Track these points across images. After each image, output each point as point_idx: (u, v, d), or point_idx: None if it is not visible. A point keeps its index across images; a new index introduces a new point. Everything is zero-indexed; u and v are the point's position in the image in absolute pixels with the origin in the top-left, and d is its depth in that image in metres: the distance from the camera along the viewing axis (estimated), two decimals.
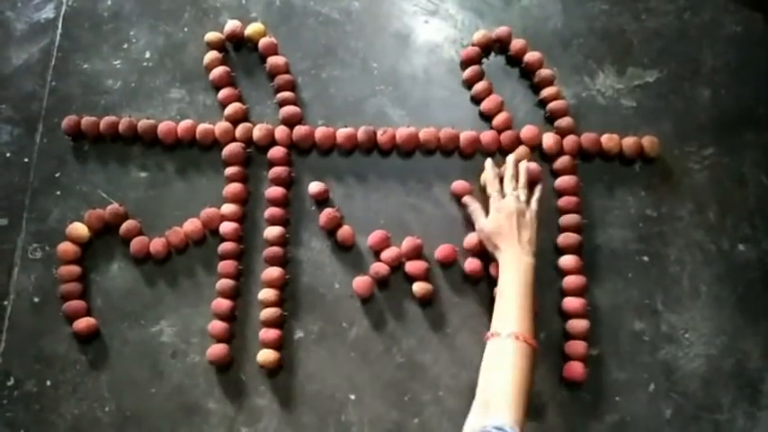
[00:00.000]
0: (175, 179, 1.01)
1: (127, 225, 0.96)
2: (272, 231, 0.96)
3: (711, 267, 0.97)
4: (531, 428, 0.86)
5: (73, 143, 1.03)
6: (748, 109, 1.05)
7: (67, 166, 1.02)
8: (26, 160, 1.02)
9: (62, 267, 0.95)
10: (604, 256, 0.98)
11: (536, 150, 1.01)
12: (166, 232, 0.97)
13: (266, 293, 0.93)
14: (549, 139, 1.00)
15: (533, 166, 0.98)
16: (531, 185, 0.94)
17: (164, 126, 1.00)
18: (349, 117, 1.03)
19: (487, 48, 1.06)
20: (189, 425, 0.91)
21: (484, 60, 1.06)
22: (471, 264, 0.94)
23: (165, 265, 0.97)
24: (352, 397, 0.91)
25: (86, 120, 1.01)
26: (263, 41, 1.05)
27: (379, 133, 1.00)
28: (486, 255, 0.93)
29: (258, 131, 1.00)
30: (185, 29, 1.09)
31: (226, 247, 0.95)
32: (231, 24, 1.06)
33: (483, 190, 0.97)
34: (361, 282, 0.94)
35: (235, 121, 1.01)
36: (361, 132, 1.00)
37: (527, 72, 1.05)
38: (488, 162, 0.97)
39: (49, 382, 0.93)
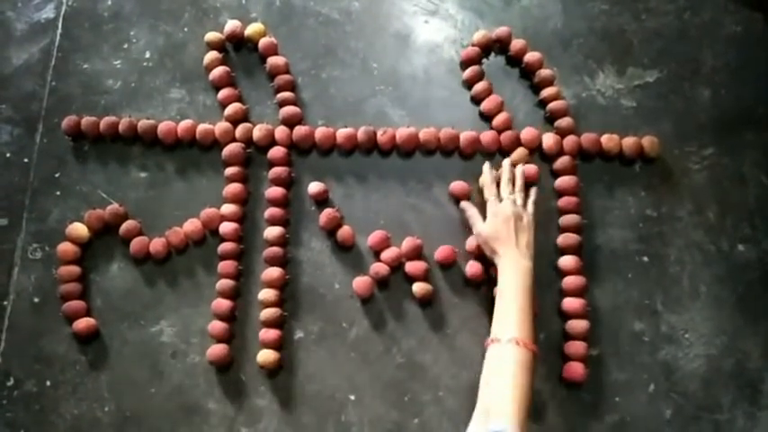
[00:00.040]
0: (175, 179, 1.01)
1: (127, 225, 0.96)
2: (272, 231, 0.96)
3: (711, 267, 0.97)
4: (531, 429, 0.86)
5: (73, 143, 1.03)
6: (748, 109, 1.05)
7: (67, 166, 1.02)
8: (26, 160, 1.02)
9: (62, 267, 0.95)
10: (604, 257, 0.98)
11: (536, 151, 1.01)
12: (166, 232, 0.97)
13: (266, 294, 0.93)
14: (549, 140, 1.00)
15: (531, 167, 0.98)
16: (526, 188, 0.94)
17: (164, 126, 1.00)
18: (349, 117, 1.03)
19: (487, 48, 1.06)
20: (189, 425, 0.91)
21: (484, 60, 1.06)
22: (472, 267, 0.94)
23: (165, 266, 0.97)
24: (352, 397, 0.91)
25: (86, 120, 1.01)
26: (263, 41, 1.05)
27: (379, 133, 1.00)
28: (486, 258, 0.93)
29: (258, 132, 1.00)
30: (185, 29, 1.09)
31: (226, 247, 0.95)
32: (231, 24, 1.06)
33: (481, 192, 0.97)
34: (361, 282, 0.94)
35: (235, 121, 1.01)
36: (361, 132, 1.00)
37: (527, 72, 1.05)
38: (486, 166, 0.97)
39: (48, 383, 0.93)
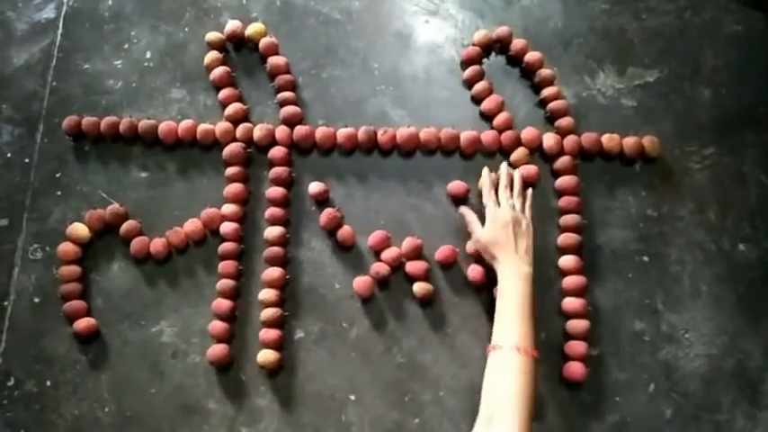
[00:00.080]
0: (176, 179, 1.01)
1: (127, 225, 0.97)
2: (273, 231, 0.96)
3: (712, 267, 0.97)
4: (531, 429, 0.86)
5: (73, 143, 1.03)
6: (749, 108, 1.05)
7: (68, 166, 1.02)
8: (27, 160, 1.02)
9: (62, 267, 0.95)
10: (605, 257, 0.98)
11: (536, 151, 1.01)
12: (167, 232, 0.97)
13: (266, 294, 0.93)
14: (549, 140, 0.99)
15: (531, 167, 0.98)
16: (525, 189, 0.94)
17: (164, 126, 1.00)
18: (349, 117, 1.03)
19: (488, 48, 1.06)
20: (189, 425, 0.91)
21: (484, 60, 1.06)
22: (474, 271, 0.94)
23: (166, 266, 0.97)
24: (353, 397, 0.91)
25: (87, 120, 1.01)
26: (263, 41, 1.05)
27: (379, 133, 1.00)
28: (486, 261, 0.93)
29: (259, 131, 1.00)
30: (186, 29, 1.09)
31: (226, 247, 0.95)
32: (232, 24, 1.06)
33: (481, 196, 0.96)
34: (361, 282, 0.94)
35: (235, 121, 1.01)
36: (361, 132, 1.00)
37: (527, 72, 1.05)
38: (485, 171, 0.97)
39: (49, 383, 0.93)
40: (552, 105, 1.01)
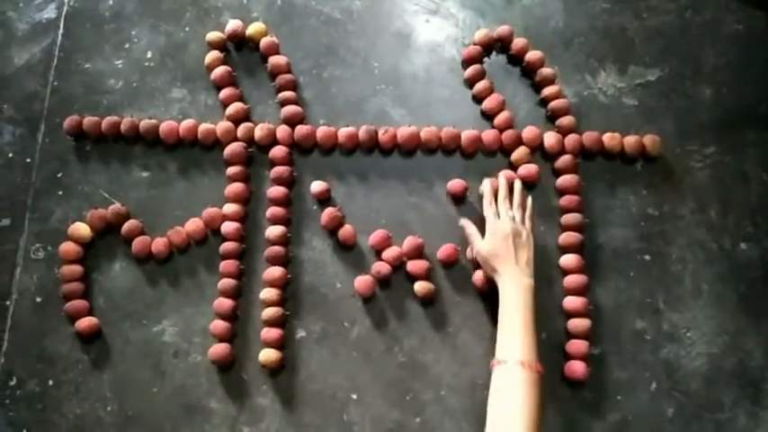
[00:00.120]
0: (177, 179, 1.01)
1: (129, 225, 0.97)
2: (274, 231, 0.96)
3: (713, 266, 0.97)
4: None
5: (75, 143, 1.03)
6: (750, 107, 1.05)
7: (69, 166, 1.02)
8: (28, 160, 1.03)
9: (64, 267, 0.95)
10: (606, 255, 0.97)
11: (537, 150, 1.01)
12: (168, 232, 0.97)
13: (268, 293, 0.93)
14: (550, 139, 0.99)
15: (532, 166, 0.98)
16: (526, 188, 0.94)
17: (165, 126, 1.01)
18: (350, 116, 1.03)
19: (489, 47, 1.06)
20: (191, 424, 0.91)
21: (485, 59, 1.06)
22: (478, 279, 0.94)
23: (167, 265, 0.97)
24: (354, 396, 0.92)
25: (88, 120, 1.01)
26: (264, 41, 1.05)
27: (380, 133, 1.00)
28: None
29: (260, 131, 1.00)
30: (187, 29, 1.09)
31: (227, 246, 0.95)
32: (232, 24, 1.06)
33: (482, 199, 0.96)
34: (362, 281, 0.94)
35: (236, 120, 1.01)
36: (362, 132, 1.00)
37: (528, 71, 1.05)
38: (486, 183, 0.96)
39: (51, 382, 0.93)
40: (553, 104, 1.01)
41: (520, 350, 0.78)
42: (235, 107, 1.01)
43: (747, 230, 0.99)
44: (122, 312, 0.95)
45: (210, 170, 1.01)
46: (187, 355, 0.94)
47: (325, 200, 0.99)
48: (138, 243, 0.96)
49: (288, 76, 1.03)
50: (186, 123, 1.01)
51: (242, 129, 1.00)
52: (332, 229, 0.97)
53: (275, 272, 0.94)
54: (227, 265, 0.95)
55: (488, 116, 1.03)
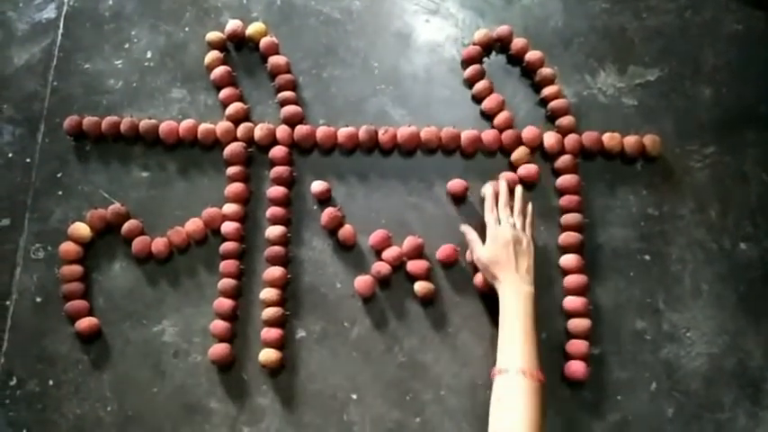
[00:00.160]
0: (177, 179, 1.01)
1: (128, 225, 0.97)
2: (274, 231, 0.96)
3: (713, 266, 0.97)
4: None
5: (75, 143, 1.03)
6: (749, 107, 1.05)
7: (69, 166, 1.02)
8: (28, 160, 1.03)
9: (64, 267, 0.95)
10: (606, 255, 0.98)
11: (537, 150, 1.01)
12: (168, 232, 0.97)
13: (268, 293, 0.93)
14: (550, 139, 1.00)
15: (531, 166, 0.98)
16: (524, 208, 0.94)
17: (165, 126, 1.01)
18: (350, 116, 1.03)
19: (488, 47, 1.06)
20: (191, 424, 0.91)
21: (485, 59, 1.06)
22: (479, 280, 0.93)
23: (167, 265, 0.97)
24: (354, 396, 0.92)
25: (88, 120, 1.01)
26: (264, 41, 1.05)
27: (380, 133, 1.00)
28: None
29: (259, 131, 1.00)
30: (186, 29, 1.09)
31: (227, 246, 0.95)
32: (232, 24, 1.06)
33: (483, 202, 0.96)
34: (362, 281, 0.94)
35: (236, 120, 1.01)
36: (362, 132, 1.00)
37: (528, 71, 1.05)
38: (488, 190, 0.95)
39: (51, 382, 0.93)
40: (553, 104, 1.01)
41: (520, 358, 0.78)
42: (234, 107, 1.01)
43: (747, 230, 0.99)
44: (122, 312, 0.95)
45: (210, 170, 1.01)
46: (187, 355, 0.93)
47: (325, 200, 0.99)
48: (137, 243, 0.96)
49: (287, 76, 1.03)
50: (186, 123, 1.01)
51: (242, 129, 1.00)
52: (332, 229, 0.97)
53: (275, 272, 0.94)
54: (227, 265, 0.95)
55: (488, 116, 1.03)
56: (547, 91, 1.02)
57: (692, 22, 1.09)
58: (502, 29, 1.05)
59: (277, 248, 0.95)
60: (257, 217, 0.99)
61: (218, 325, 0.92)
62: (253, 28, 1.05)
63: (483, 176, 0.99)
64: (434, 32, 1.09)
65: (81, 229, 0.96)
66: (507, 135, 1.00)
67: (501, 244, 0.87)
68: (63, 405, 0.92)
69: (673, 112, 1.04)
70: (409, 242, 0.95)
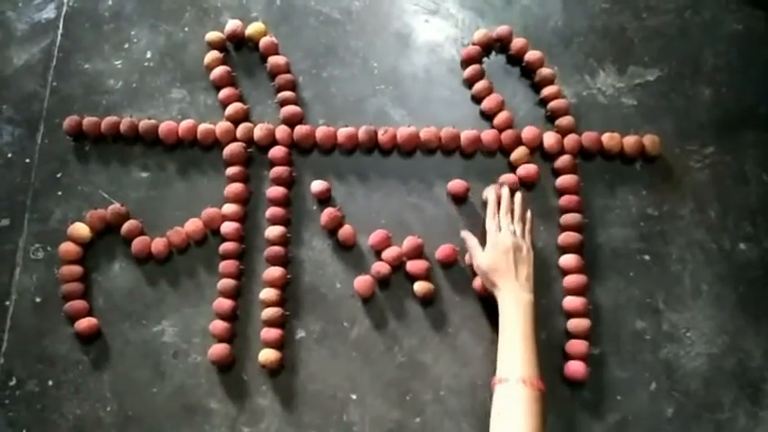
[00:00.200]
0: (177, 179, 1.01)
1: (128, 225, 0.97)
2: (274, 231, 0.96)
3: (713, 266, 0.97)
4: None
5: (74, 143, 1.03)
6: (749, 108, 1.05)
7: (69, 166, 1.02)
8: (27, 161, 1.02)
9: (64, 267, 0.95)
10: (605, 255, 0.98)
11: (537, 150, 1.01)
12: (168, 232, 0.97)
13: (267, 293, 0.93)
14: (549, 139, 1.00)
15: (531, 166, 0.98)
16: (524, 215, 0.94)
17: (165, 126, 1.01)
18: (350, 116, 1.03)
19: (488, 47, 1.06)
20: (191, 425, 0.91)
21: (484, 59, 1.06)
22: (478, 285, 0.93)
23: (167, 265, 0.97)
24: (354, 396, 0.92)
25: (88, 120, 1.01)
26: (263, 41, 1.05)
27: (379, 133, 1.00)
28: None
29: (259, 131, 1.00)
30: (186, 29, 1.09)
31: (227, 246, 0.95)
32: (232, 24, 1.06)
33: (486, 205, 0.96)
34: (362, 281, 0.94)
35: (236, 120, 1.01)
36: (361, 132, 1.00)
37: (528, 71, 1.05)
38: (491, 196, 0.95)
39: (50, 382, 0.93)
40: (552, 104, 1.01)
41: (521, 367, 0.77)
42: (234, 107, 1.01)
43: (747, 231, 0.99)
44: (122, 313, 0.95)
45: (210, 170, 1.01)
46: (187, 355, 0.93)
47: (325, 199, 0.99)
48: (137, 243, 0.96)
49: (287, 76, 1.03)
50: (185, 123, 1.01)
51: (241, 129, 1.00)
52: (331, 230, 0.97)
53: (275, 272, 0.94)
54: (226, 265, 0.95)
55: (488, 116, 1.03)
56: (546, 91, 1.02)
57: (691, 22, 1.09)
58: (501, 29, 1.05)
59: (277, 249, 0.95)
60: (257, 217, 0.99)
61: (218, 325, 0.92)
62: (252, 28, 1.05)
63: (483, 176, 1.00)
64: (434, 32, 1.09)
65: (80, 229, 0.96)
66: (507, 135, 1.00)
67: (501, 251, 0.87)
68: (63, 405, 0.92)
69: (672, 113, 1.04)
70: (409, 242, 0.95)
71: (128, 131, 1.00)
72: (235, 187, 0.97)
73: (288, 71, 1.04)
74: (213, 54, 1.04)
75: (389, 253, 0.95)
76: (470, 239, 0.93)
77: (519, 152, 0.99)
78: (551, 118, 1.02)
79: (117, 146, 1.03)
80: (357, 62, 1.07)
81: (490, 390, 0.80)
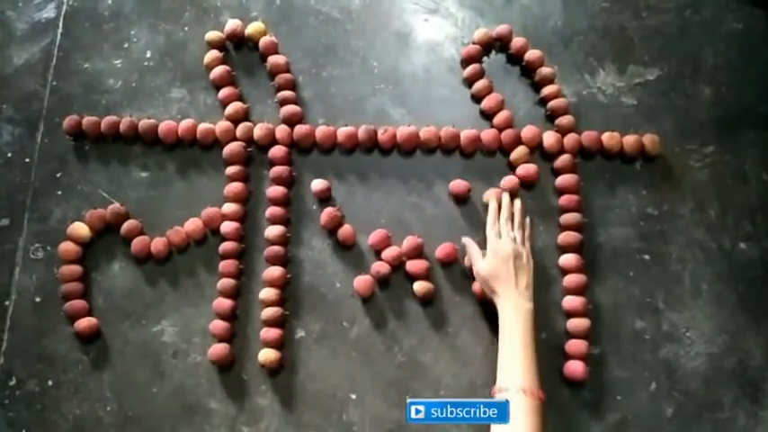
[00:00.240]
0: (176, 179, 1.01)
1: (128, 225, 0.97)
2: (273, 231, 0.96)
3: (713, 266, 0.97)
4: None
5: (74, 143, 1.03)
6: (749, 107, 1.05)
7: (69, 165, 1.02)
8: (27, 160, 1.02)
9: (63, 267, 0.95)
10: (605, 255, 0.97)
11: (537, 150, 1.01)
12: (167, 232, 0.97)
13: (267, 293, 0.93)
14: (549, 138, 0.99)
15: (531, 166, 0.98)
16: (523, 222, 0.94)
17: (164, 126, 1.00)
18: (349, 116, 1.03)
19: (488, 46, 1.06)
20: (190, 425, 0.91)
21: (484, 59, 1.06)
22: (477, 288, 0.93)
23: (167, 265, 0.97)
24: (353, 396, 0.92)
25: (87, 119, 1.01)
26: (263, 40, 1.05)
27: (379, 132, 1.00)
28: None
29: (259, 131, 1.00)
30: (186, 28, 1.09)
31: (227, 246, 0.95)
32: (232, 23, 1.06)
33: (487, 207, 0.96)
34: (361, 281, 0.94)
35: (235, 120, 1.01)
36: (361, 131, 1.00)
37: (527, 70, 1.05)
38: (492, 203, 0.95)
39: (50, 382, 0.93)
40: (552, 104, 1.01)
41: (521, 376, 0.77)
42: (234, 107, 1.01)
43: (747, 230, 0.99)
44: (122, 312, 0.95)
45: (210, 170, 1.01)
46: (186, 355, 0.93)
47: (325, 198, 0.99)
48: (137, 243, 0.96)
49: (287, 76, 1.03)
50: (185, 123, 1.01)
51: (241, 128, 1.00)
52: (331, 229, 0.97)
53: (275, 272, 0.94)
54: (226, 264, 0.95)
55: (487, 115, 1.03)
56: (546, 90, 1.02)
57: (691, 21, 1.09)
58: (501, 28, 1.05)
59: (276, 248, 0.95)
60: (257, 217, 0.99)
61: (218, 325, 0.92)
62: (252, 27, 1.05)
63: (482, 176, 1.00)
64: (434, 32, 1.09)
65: (80, 228, 0.96)
66: (507, 134, 1.00)
67: (501, 258, 0.87)
68: (62, 405, 0.92)
69: (672, 112, 1.04)
70: (409, 242, 0.95)
71: (127, 131, 1.00)
72: (234, 187, 0.97)
73: (287, 70, 1.04)
74: (213, 53, 1.04)
75: (389, 253, 0.95)
76: (471, 246, 0.93)
77: (519, 151, 0.99)
78: (551, 117, 1.02)
79: (117, 145, 1.03)
80: (357, 61, 1.07)
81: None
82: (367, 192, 1.00)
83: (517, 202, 0.95)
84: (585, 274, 0.94)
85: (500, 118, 1.01)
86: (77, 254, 0.96)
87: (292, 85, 1.04)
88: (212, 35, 1.05)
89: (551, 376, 0.91)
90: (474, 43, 1.05)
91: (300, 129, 1.00)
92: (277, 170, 0.98)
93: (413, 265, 0.94)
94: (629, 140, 1.00)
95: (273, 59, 1.03)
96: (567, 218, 0.96)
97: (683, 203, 1.00)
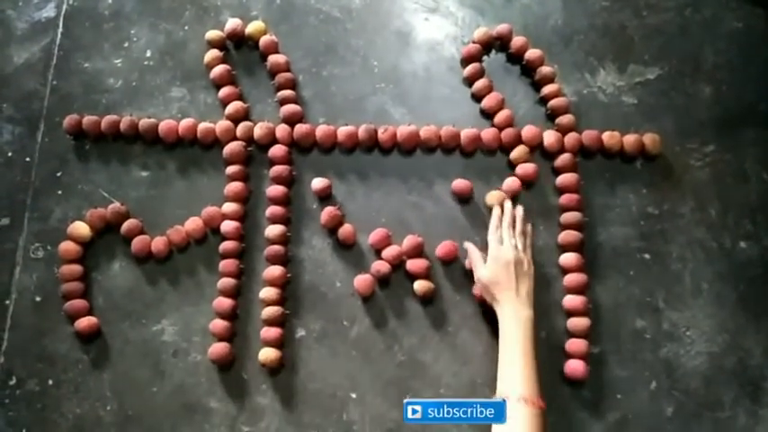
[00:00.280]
0: (176, 178, 1.01)
1: (128, 224, 0.97)
2: (274, 230, 0.96)
3: (713, 265, 0.97)
4: None
5: (74, 142, 1.03)
6: (750, 106, 1.05)
7: (69, 165, 1.02)
8: (28, 159, 1.02)
9: (64, 266, 0.95)
10: (606, 254, 0.97)
11: (537, 149, 1.01)
12: (168, 231, 0.97)
13: (268, 292, 0.93)
14: (549, 137, 0.99)
15: (530, 166, 0.98)
16: (524, 228, 0.93)
17: (165, 125, 1.00)
18: (350, 115, 1.03)
19: (488, 45, 1.06)
20: (191, 424, 0.91)
21: (484, 58, 1.06)
22: (477, 291, 0.93)
23: (167, 264, 0.97)
24: (354, 395, 0.92)
25: (88, 119, 1.01)
26: (263, 40, 1.05)
27: (379, 131, 1.00)
28: None
29: (259, 130, 1.00)
30: (186, 27, 1.09)
31: (227, 245, 0.95)
32: (232, 23, 1.05)
33: (491, 209, 0.96)
34: (362, 280, 0.94)
35: (236, 119, 1.01)
36: (361, 130, 1.00)
37: (528, 69, 1.05)
38: (495, 210, 0.95)
39: (50, 382, 0.93)
40: (553, 103, 1.01)
41: (521, 384, 0.77)
42: (234, 106, 1.01)
43: (747, 229, 0.99)
44: (122, 312, 0.95)
45: (210, 169, 1.01)
46: (187, 354, 0.94)
47: (326, 197, 0.99)
48: (137, 242, 0.96)
49: (287, 75, 1.03)
50: (185, 122, 1.01)
51: (241, 128, 1.00)
52: (331, 228, 0.97)
53: (275, 271, 0.94)
54: (226, 264, 0.95)
55: (488, 115, 1.03)
56: (546, 89, 1.02)
57: (692, 20, 1.09)
58: (501, 27, 1.05)
59: (277, 247, 0.95)
60: (257, 216, 0.99)
61: (218, 324, 0.92)
62: (252, 26, 1.05)
63: (483, 175, 1.00)
64: (434, 31, 1.08)
65: (80, 228, 0.96)
66: (507, 134, 1.00)
67: (502, 264, 0.86)
68: (63, 404, 0.92)
69: (673, 111, 1.04)
70: (409, 241, 0.95)
71: (128, 130, 1.00)
72: (235, 186, 0.97)
73: (288, 70, 1.04)
74: (213, 53, 1.04)
75: (389, 252, 0.95)
76: (473, 252, 0.92)
77: (519, 151, 0.99)
78: (551, 116, 1.02)
79: (117, 145, 1.03)
80: (357, 61, 1.07)
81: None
82: (367, 191, 1.00)
83: (519, 210, 0.94)
84: (586, 273, 0.94)
85: (500, 117, 1.01)
86: (78, 253, 0.96)
87: (292, 85, 1.04)
88: (212, 34, 1.05)
89: (551, 375, 0.91)
90: (474, 42, 1.05)
91: (301, 128, 1.00)
92: (277, 169, 0.98)
93: (413, 265, 0.94)
94: (630, 139, 1.00)
95: (274, 58, 1.03)
96: (568, 217, 0.96)
97: (683, 202, 1.00)
